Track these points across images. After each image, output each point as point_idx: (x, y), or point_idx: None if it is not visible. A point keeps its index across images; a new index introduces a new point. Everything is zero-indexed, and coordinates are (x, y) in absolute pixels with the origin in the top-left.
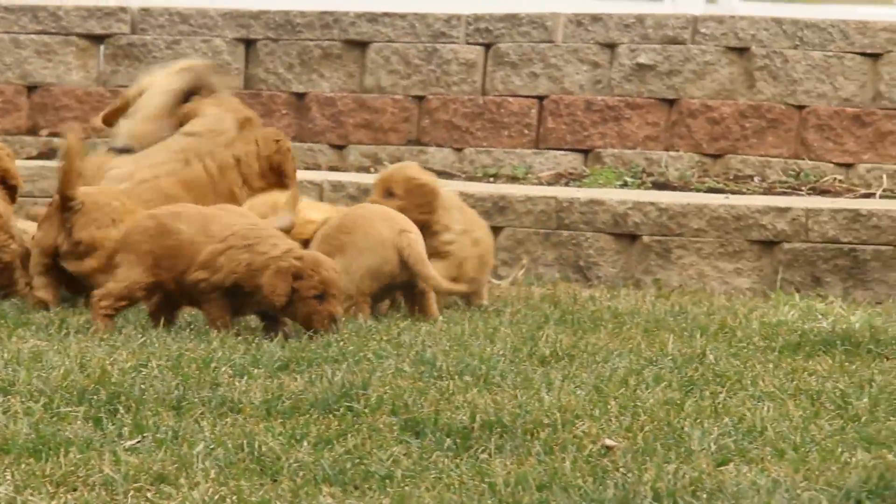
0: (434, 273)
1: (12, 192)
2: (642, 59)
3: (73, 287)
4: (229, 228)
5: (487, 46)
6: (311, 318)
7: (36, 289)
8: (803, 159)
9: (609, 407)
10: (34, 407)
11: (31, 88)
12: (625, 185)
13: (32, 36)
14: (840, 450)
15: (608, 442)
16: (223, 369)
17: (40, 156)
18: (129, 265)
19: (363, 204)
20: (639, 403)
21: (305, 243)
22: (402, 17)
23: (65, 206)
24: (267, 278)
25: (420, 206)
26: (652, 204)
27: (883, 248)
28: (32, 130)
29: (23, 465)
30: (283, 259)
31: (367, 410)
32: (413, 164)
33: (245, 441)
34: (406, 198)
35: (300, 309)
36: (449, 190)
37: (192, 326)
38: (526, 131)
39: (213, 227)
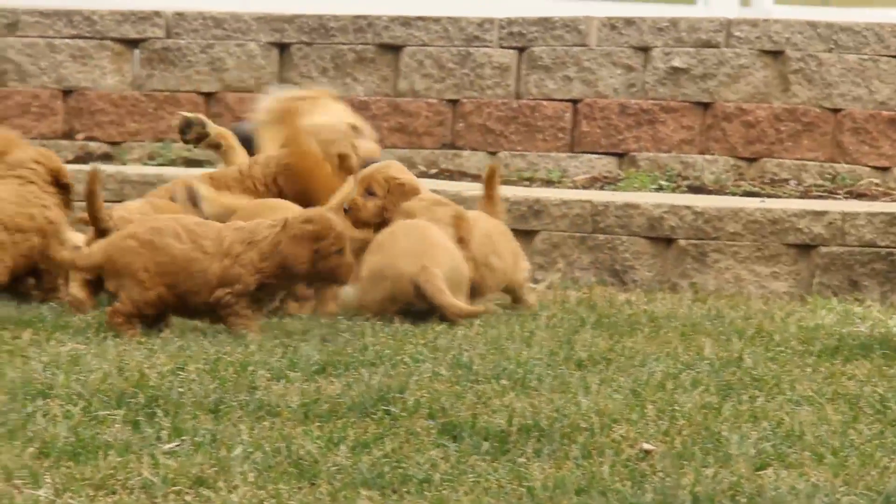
0: (452, 301)
1: (65, 192)
2: (676, 63)
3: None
4: (220, 238)
5: (521, 50)
6: (337, 273)
7: (72, 287)
8: (839, 163)
9: (647, 411)
10: (73, 410)
11: (67, 93)
12: (660, 188)
13: (67, 40)
14: (879, 454)
15: (646, 446)
16: (260, 373)
17: (76, 160)
18: (129, 287)
19: (401, 224)
20: (676, 407)
21: None
22: (436, 20)
23: (96, 228)
24: (288, 248)
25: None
26: (688, 208)
27: None
28: (68, 135)
29: (62, 469)
30: (292, 228)
31: (404, 414)
32: (396, 163)
33: (283, 444)
34: (386, 197)
35: (324, 267)
36: (433, 192)
37: (228, 329)
38: (560, 135)
39: (204, 242)
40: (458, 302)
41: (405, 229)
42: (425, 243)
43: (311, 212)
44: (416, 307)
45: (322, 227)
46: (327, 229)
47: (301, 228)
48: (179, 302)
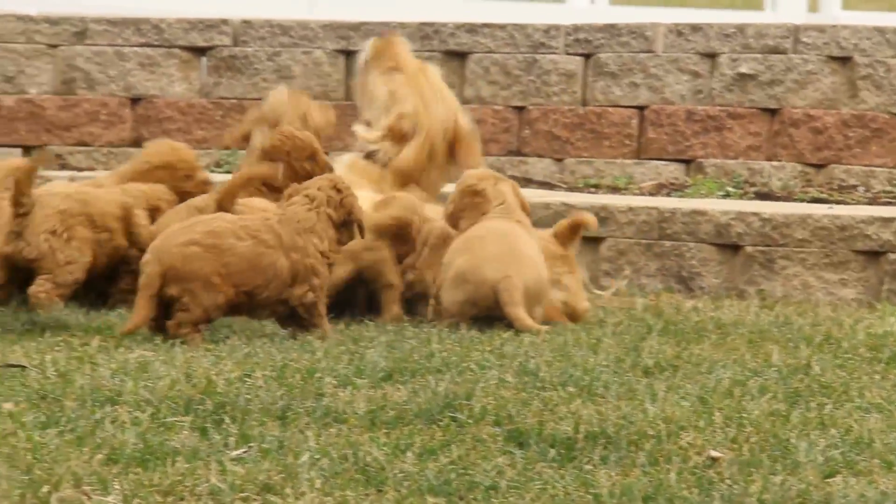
0: (523, 315)
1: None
2: (743, 69)
3: None
4: (274, 231)
5: (587, 56)
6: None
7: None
8: None
9: (714, 418)
10: (141, 417)
11: (135, 101)
12: (727, 195)
13: (136, 48)
14: None
15: (713, 453)
16: (327, 380)
17: None
18: (198, 293)
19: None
20: (744, 414)
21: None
22: (502, 27)
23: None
24: (358, 214)
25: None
26: (755, 214)
27: None
28: (136, 142)
29: (131, 475)
30: (347, 202)
31: (470, 421)
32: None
33: (350, 451)
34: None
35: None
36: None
37: (296, 336)
38: (627, 141)
39: (263, 236)
40: (526, 317)
41: (497, 234)
42: (513, 251)
43: (330, 178)
44: (495, 313)
45: (347, 193)
46: (344, 191)
47: (347, 200)
48: (248, 301)
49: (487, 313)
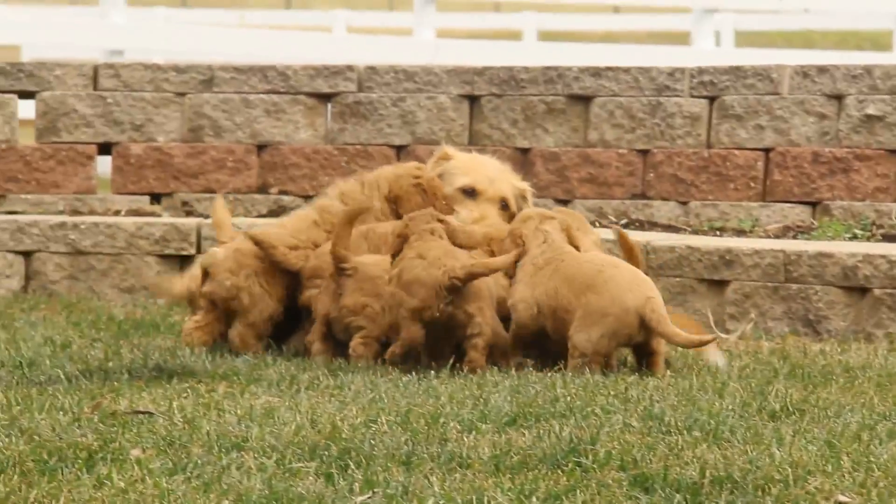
0: (675, 330)
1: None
2: (871, 110)
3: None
4: (459, 258)
5: (712, 99)
6: None
7: (314, 353)
8: None
9: (842, 462)
10: (267, 463)
11: (261, 147)
12: (854, 237)
13: (262, 95)
14: None
15: (842, 498)
16: (451, 424)
17: (270, 213)
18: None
19: (602, 258)
20: (872, 459)
21: None
22: (626, 70)
23: (337, 269)
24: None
25: None
26: (882, 256)
27: None
28: (262, 189)
29: None
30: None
31: (595, 466)
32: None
33: (474, 496)
34: None
35: None
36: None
37: (421, 381)
38: (752, 184)
39: (448, 260)
40: (682, 332)
41: (612, 263)
42: (639, 275)
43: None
44: (636, 341)
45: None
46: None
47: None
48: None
49: (627, 342)
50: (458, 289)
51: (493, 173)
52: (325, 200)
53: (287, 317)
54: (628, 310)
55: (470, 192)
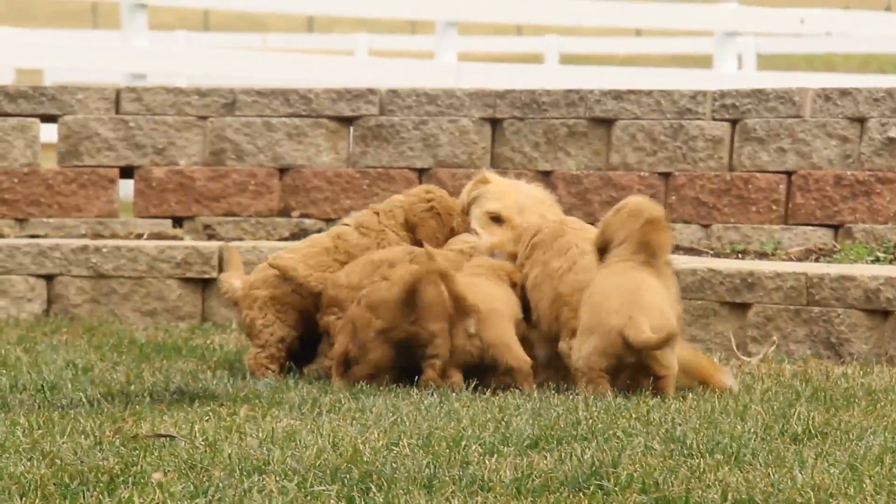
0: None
1: None
2: (893, 133)
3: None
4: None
5: (734, 122)
6: None
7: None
8: None
9: (864, 486)
10: (288, 486)
11: (283, 171)
12: (876, 260)
13: (284, 119)
14: None
15: None
16: (473, 447)
17: (292, 237)
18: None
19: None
20: (895, 482)
21: None
22: (648, 94)
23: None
24: None
25: None
26: None
27: None
28: (284, 212)
29: None
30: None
31: (617, 489)
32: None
33: None
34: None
35: None
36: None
37: (442, 404)
38: (774, 207)
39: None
40: (651, 335)
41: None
42: (634, 295)
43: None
44: (627, 360)
45: None
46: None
47: None
48: None
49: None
50: (411, 302)
51: (525, 201)
52: (341, 228)
53: (310, 341)
54: (611, 328)
55: (496, 219)
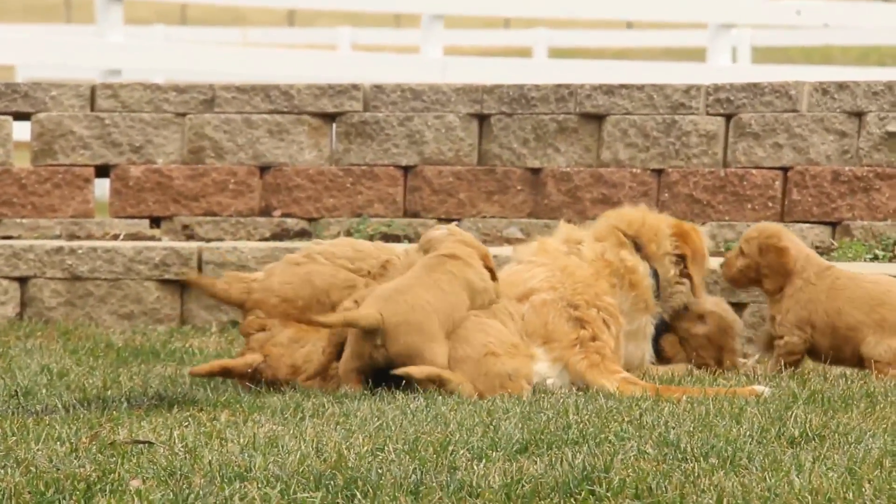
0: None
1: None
2: (892, 128)
3: None
4: None
5: (729, 117)
6: None
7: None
8: None
9: (863, 490)
10: (271, 493)
11: (264, 169)
12: (875, 258)
13: (265, 115)
14: None
15: None
16: (461, 452)
17: (273, 237)
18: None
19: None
20: (895, 486)
21: None
22: (640, 88)
23: None
24: None
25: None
26: None
27: None
28: (265, 211)
29: None
30: None
31: (609, 494)
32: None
33: None
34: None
35: None
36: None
37: (429, 408)
38: (770, 204)
39: None
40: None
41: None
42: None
43: None
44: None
45: None
46: None
47: None
48: None
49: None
50: (372, 330)
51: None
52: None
53: None
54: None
55: None
